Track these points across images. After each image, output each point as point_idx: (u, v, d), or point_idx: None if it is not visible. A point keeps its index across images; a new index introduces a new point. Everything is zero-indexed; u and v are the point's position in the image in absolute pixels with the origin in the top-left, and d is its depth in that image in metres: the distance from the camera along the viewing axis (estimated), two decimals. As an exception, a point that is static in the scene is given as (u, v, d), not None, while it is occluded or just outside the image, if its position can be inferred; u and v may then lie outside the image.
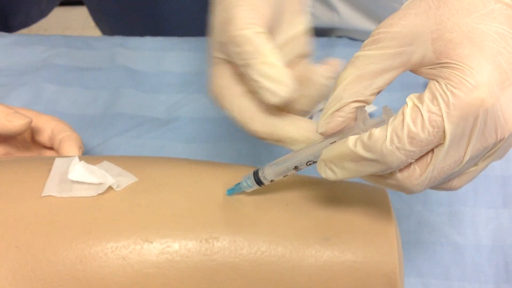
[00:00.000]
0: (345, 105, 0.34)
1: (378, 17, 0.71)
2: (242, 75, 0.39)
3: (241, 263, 0.38)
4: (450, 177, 0.34)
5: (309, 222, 0.39)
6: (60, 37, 0.78)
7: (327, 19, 0.75)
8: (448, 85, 0.31)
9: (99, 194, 0.39)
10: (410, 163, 0.33)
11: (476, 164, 0.34)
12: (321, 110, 0.62)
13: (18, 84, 0.71)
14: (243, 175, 0.40)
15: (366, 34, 0.72)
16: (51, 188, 0.40)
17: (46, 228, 0.38)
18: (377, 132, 0.32)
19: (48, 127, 0.56)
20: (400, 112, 0.32)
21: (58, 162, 0.41)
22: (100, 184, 0.40)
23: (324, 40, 0.76)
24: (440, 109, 0.31)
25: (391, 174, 0.33)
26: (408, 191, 0.34)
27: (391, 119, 0.32)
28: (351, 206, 0.40)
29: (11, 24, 1.58)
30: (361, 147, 0.32)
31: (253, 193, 0.41)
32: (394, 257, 0.38)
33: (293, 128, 0.39)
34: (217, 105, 0.41)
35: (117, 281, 0.37)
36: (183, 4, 0.90)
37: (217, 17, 0.39)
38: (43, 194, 0.39)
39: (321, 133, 0.36)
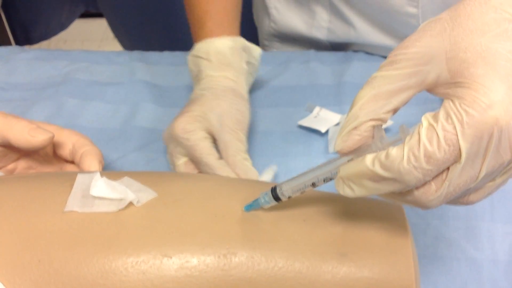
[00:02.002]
0: (362, 124, 0.35)
1: (394, 32, 0.71)
2: None
3: (258, 279, 0.38)
4: (467, 193, 0.35)
5: (326, 238, 0.40)
6: (80, 52, 0.80)
7: (343, 34, 0.76)
8: (462, 104, 0.31)
9: (120, 209, 0.40)
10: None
11: (493, 180, 0.35)
12: (336, 124, 0.63)
13: (40, 98, 0.73)
14: (261, 192, 0.41)
15: (382, 48, 0.73)
16: (74, 203, 0.41)
17: (68, 243, 0.39)
18: (394, 151, 0.33)
19: (70, 142, 0.57)
20: (416, 131, 0.33)
21: (80, 178, 0.42)
22: (121, 199, 0.40)
23: (340, 54, 0.77)
24: (455, 127, 0.31)
25: (408, 191, 0.34)
26: (424, 206, 0.34)
27: (407, 138, 0.33)
28: (368, 222, 0.41)
29: (31, 36, 1.61)
30: (379, 166, 0.33)
31: (271, 209, 0.41)
32: (411, 274, 0.39)
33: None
34: None
35: (136, 296, 0.38)
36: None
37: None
38: (65, 210, 0.40)
39: (338, 151, 0.37)
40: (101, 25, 2.17)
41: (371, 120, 0.35)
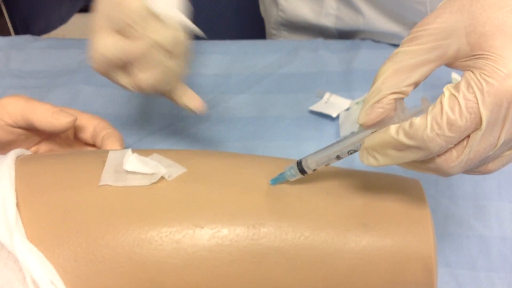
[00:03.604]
0: (384, 97, 0.37)
1: (402, 19, 0.73)
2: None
3: (286, 248, 0.41)
4: (485, 161, 0.37)
5: (349, 209, 0.42)
6: (93, 41, 0.81)
7: (352, 21, 0.78)
8: (482, 74, 0.33)
9: (152, 183, 0.42)
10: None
11: (510, 148, 0.37)
12: (347, 109, 0.65)
13: (55, 85, 0.74)
14: (286, 166, 0.43)
15: (390, 36, 0.75)
16: (108, 178, 0.42)
17: (105, 215, 0.41)
18: (417, 120, 0.35)
19: (90, 125, 0.59)
20: (438, 101, 0.35)
21: (112, 154, 0.44)
22: (153, 174, 0.42)
23: (348, 42, 0.79)
24: (475, 96, 0.33)
25: (430, 159, 0.36)
26: (445, 173, 0.36)
27: (430, 108, 0.35)
28: (387, 194, 0.43)
29: (32, 31, 1.61)
30: (403, 135, 0.35)
31: (295, 182, 0.43)
32: (430, 243, 0.41)
33: None
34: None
35: (171, 263, 0.40)
36: (212, 8, 0.93)
37: None
38: (100, 183, 0.42)
39: (361, 124, 0.38)
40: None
41: (393, 93, 0.37)
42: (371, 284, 0.41)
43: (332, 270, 0.41)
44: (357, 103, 0.68)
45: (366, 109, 0.38)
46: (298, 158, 0.44)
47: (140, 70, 0.50)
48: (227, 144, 0.66)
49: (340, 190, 0.43)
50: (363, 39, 0.79)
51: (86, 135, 0.59)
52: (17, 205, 0.41)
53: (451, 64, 0.37)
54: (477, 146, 0.35)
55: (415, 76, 0.37)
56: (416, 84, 0.37)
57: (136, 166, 0.42)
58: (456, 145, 0.35)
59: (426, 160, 0.36)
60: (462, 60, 0.36)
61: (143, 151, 0.45)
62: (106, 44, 0.49)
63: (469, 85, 0.34)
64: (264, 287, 0.40)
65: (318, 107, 0.68)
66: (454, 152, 0.35)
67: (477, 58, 0.35)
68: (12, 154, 0.46)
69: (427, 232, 0.41)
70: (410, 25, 0.74)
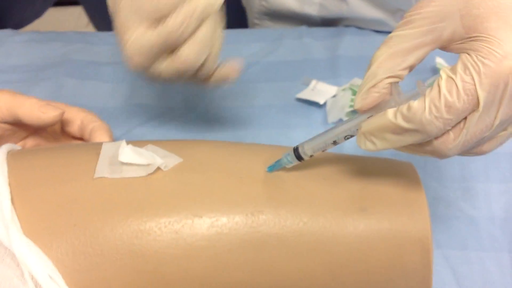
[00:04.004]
0: (380, 81, 0.37)
1: (385, 5, 0.74)
2: None
3: (285, 234, 0.41)
4: (481, 142, 0.37)
5: (346, 194, 0.42)
6: (75, 34, 0.81)
7: (335, 9, 0.78)
8: (478, 56, 0.34)
9: (149, 174, 0.42)
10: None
11: (505, 129, 0.37)
12: (333, 96, 0.65)
13: (38, 79, 0.73)
14: (282, 153, 0.43)
15: (373, 22, 0.75)
16: (103, 170, 0.42)
17: (102, 207, 0.40)
18: (415, 104, 0.35)
19: (78, 118, 0.58)
20: (435, 84, 0.35)
21: (105, 146, 0.44)
22: (148, 165, 0.42)
23: (332, 29, 0.79)
24: (472, 78, 0.34)
25: (428, 141, 0.36)
26: (443, 155, 0.37)
27: (428, 90, 0.35)
28: (383, 178, 0.43)
29: (5, 26, 1.59)
30: (401, 119, 0.35)
31: (292, 169, 0.44)
32: (427, 224, 0.41)
33: None
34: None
35: (170, 254, 0.40)
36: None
37: None
38: (96, 176, 0.42)
39: (357, 109, 0.39)
40: (73, 13, 2.16)
41: (389, 77, 0.37)
42: (370, 267, 0.41)
43: (331, 255, 0.41)
44: (343, 89, 0.68)
45: (362, 94, 0.38)
46: (288, 146, 0.44)
47: (182, 46, 0.48)
48: (215, 133, 0.66)
49: (337, 176, 0.43)
50: (347, 26, 0.80)
51: (73, 128, 0.59)
52: (12, 200, 0.40)
53: (446, 47, 0.37)
54: (474, 127, 0.35)
55: (411, 59, 0.37)
56: (411, 68, 0.38)
57: (132, 157, 0.42)
58: (453, 127, 0.36)
59: (424, 143, 0.37)
60: (457, 42, 0.36)
61: (137, 142, 0.45)
62: (145, 35, 0.47)
63: (466, 67, 0.34)
64: (264, 275, 0.41)
65: (305, 94, 0.69)
66: (451, 134, 0.36)
67: (472, 40, 0.35)
68: (3, 149, 0.45)
69: (423, 214, 0.41)
70: (394, 11, 0.74)
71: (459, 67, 0.34)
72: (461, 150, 0.37)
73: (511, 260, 0.55)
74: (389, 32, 0.75)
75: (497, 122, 0.35)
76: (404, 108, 0.36)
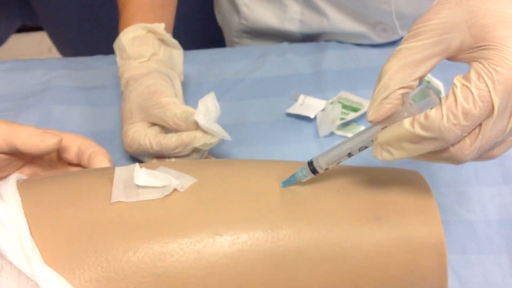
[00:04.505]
0: (392, 93, 0.39)
1: (365, 19, 0.76)
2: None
3: (305, 247, 0.41)
4: (492, 147, 0.39)
5: (360, 205, 0.43)
6: (57, 60, 0.80)
7: (316, 24, 0.79)
8: (491, 64, 0.35)
9: (165, 196, 0.42)
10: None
11: None
12: (323, 110, 0.66)
13: (23, 107, 0.72)
14: (297, 167, 0.44)
15: (354, 36, 0.77)
16: (119, 194, 0.42)
17: (122, 231, 0.40)
18: (432, 112, 0.36)
19: (74, 145, 0.58)
20: (450, 92, 0.36)
21: (118, 170, 0.44)
22: (164, 186, 0.42)
23: (313, 45, 0.81)
24: (487, 85, 0.35)
25: (444, 149, 0.38)
26: (459, 161, 0.38)
27: (443, 99, 0.36)
28: (393, 187, 0.45)
29: (-30, 53, 1.56)
30: (419, 128, 0.37)
31: (305, 183, 0.44)
32: (440, 229, 0.42)
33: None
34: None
35: (194, 274, 0.40)
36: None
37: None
38: (112, 201, 0.42)
39: (371, 121, 0.40)
40: (34, 39, 2.14)
41: (400, 88, 0.38)
42: (388, 275, 0.42)
43: (350, 265, 0.42)
44: (331, 103, 0.70)
45: (375, 106, 0.39)
46: (288, 161, 0.45)
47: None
48: (210, 152, 0.67)
49: (349, 187, 0.44)
50: (327, 40, 0.81)
51: (71, 155, 0.58)
52: (29, 229, 0.40)
53: (454, 57, 0.39)
54: (489, 132, 0.37)
55: (421, 70, 0.38)
56: (421, 78, 0.39)
57: (147, 180, 0.42)
58: (469, 133, 0.37)
59: (440, 150, 0.38)
60: (466, 52, 0.38)
61: (147, 165, 0.45)
62: (144, 135, 0.60)
63: (479, 75, 0.35)
64: (286, 288, 0.41)
65: (295, 109, 0.70)
66: (467, 141, 0.37)
67: (482, 49, 0.36)
68: (12, 179, 0.45)
69: (436, 219, 0.43)
70: (374, 24, 0.76)
71: (473, 75, 0.36)
72: (476, 155, 0.38)
73: (510, 260, 0.56)
74: (370, 45, 0.78)
75: (510, 126, 0.37)
76: (421, 117, 0.37)
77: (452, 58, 0.39)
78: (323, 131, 0.67)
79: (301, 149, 0.67)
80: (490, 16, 0.37)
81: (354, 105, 0.69)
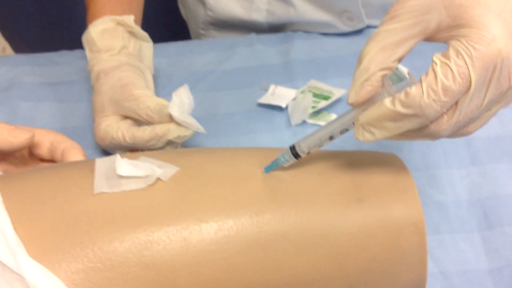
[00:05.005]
0: (373, 75, 0.39)
1: (332, 7, 0.76)
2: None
3: (290, 231, 0.42)
4: (468, 122, 0.40)
5: (342, 187, 0.44)
6: (21, 56, 0.79)
7: (283, 14, 0.80)
8: (469, 41, 0.37)
9: (148, 185, 0.42)
10: None
11: (489, 109, 0.40)
12: (294, 99, 0.67)
13: (-11, 105, 0.71)
14: (274, 153, 0.44)
15: (321, 25, 0.78)
16: (101, 185, 0.42)
17: (107, 221, 0.40)
18: (413, 90, 0.37)
19: (46, 140, 0.57)
20: (430, 70, 0.37)
21: (99, 161, 0.43)
22: (147, 176, 0.42)
23: (281, 35, 0.81)
24: (465, 62, 0.36)
25: (425, 126, 0.39)
26: (437, 137, 0.40)
27: (423, 76, 0.37)
28: (373, 169, 0.45)
29: None
30: (400, 105, 0.38)
31: (287, 168, 0.45)
32: (419, 208, 0.43)
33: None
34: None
35: (181, 261, 0.40)
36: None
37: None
38: (95, 192, 0.42)
39: (351, 103, 0.40)
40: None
41: (381, 69, 0.39)
42: (371, 255, 0.43)
43: (334, 246, 0.42)
44: (302, 92, 0.70)
45: (356, 88, 0.40)
46: (266, 148, 0.45)
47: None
48: (184, 144, 0.67)
49: (330, 170, 0.45)
50: (294, 31, 0.82)
51: (43, 151, 0.58)
52: (12, 223, 0.39)
53: (432, 37, 0.40)
54: (466, 108, 0.38)
55: (400, 51, 0.39)
56: (400, 59, 0.40)
57: (130, 170, 0.42)
58: (447, 110, 0.38)
59: (420, 128, 0.39)
60: (444, 31, 0.39)
61: (128, 155, 0.45)
62: (117, 128, 0.59)
63: (458, 52, 0.37)
64: (273, 272, 0.42)
65: (266, 99, 0.70)
66: (445, 116, 0.38)
67: (460, 28, 0.38)
68: (-11, 174, 0.44)
69: (415, 199, 0.44)
70: (340, 13, 0.77)
71: (452, 53, 0.37)
72: (453, 130, 0.39)
73: (482, 239, 0.58)
74: (337, 35, 0.79)
75: (485, 102, 0.38)
76: (401, 95, 0.38)
77: (430, 38, 0.40)
78: (295, 119, 0.68)
79: (274, 138, 0.68)
80: None
81: (325, 94, 0.69)
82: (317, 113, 0.68)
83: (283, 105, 0.69)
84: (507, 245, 0.57)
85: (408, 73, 0.40)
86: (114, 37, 0.65)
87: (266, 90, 0.72)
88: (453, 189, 0.62)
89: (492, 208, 0.60)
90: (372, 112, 0.39)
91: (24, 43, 1.35)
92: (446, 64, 0.37)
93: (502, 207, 0.60)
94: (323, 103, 0.68)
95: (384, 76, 0.40)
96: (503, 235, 0.58)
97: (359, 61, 0.40)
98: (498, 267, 0.56)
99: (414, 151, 0.65)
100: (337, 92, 0.70)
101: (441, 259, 0.57)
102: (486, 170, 0.63)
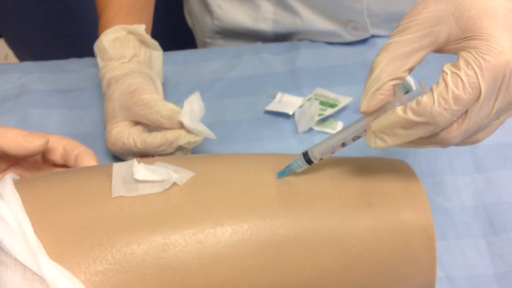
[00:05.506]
0: (384, 84, 0.40)
1: (338, 18, 0.78)
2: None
3: (302, 234, 0.43)
4: (477, 131, 0.41)
5: (353, 192, 0.45)
6: (30, 64, 0.80)
7: (289, 24, 0.81)
8: (478, 52, 0.38)
9: (165, 189, 0.43)
10: None
11: (498, 118, 0.41)
12: (300, 106, 0.68)
13: (0, 112, 0.72)
14: (291, 158, 0.46)
15: (326, 34, 0.80)
16: (119, 189, 0.43)
17: (125, 224, 0.41)
18: (424, 98, 0.38)
19: (60, 146, 0.58)
20: (441, 79, 0.39)
21: (116, 166, 0.44)
22: (163, 180, 0.43)
23: (287, 44, 0.83)
24: (475, 72, 0.38)
25: (435, 133, 0.40)
26: (446, 144, 0.41)
27: (434, 86, 0.39)
28: (382, 175, 0.47)
29: None
30: (411, 113, 0.39)
31: (299, 174, 0.46)
32: (428, 213, 0.45)
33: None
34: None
35: (197, 263, 0.41)
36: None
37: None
38: (113, 196, 0.43)
39: (363, 112, 0.42)
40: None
41: (392, 79, 0.41)
42: (381, 259, 0.44)
43: (345, 250, 0.43)
44: (308, 99, 0.72)
45: (367, 98, 0.41)
46: (283, 154, 0.46)
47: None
48: (192, 151, 0.68)
49: (342, 176, 0.46)
50: (300, 40, 0.83)
51: (56, 156, 0.58)
52: (32, 226, 0.40)
53: (441, 49, 0.41)
54: (475, 116, 0.39)
55: (411, 62, 0.40)
56: (411, 70, 0.41)
57: (147, 174, 0.43)
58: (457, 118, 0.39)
59: (431, 135, 0.40)
60: (453, 43, 0.40)
61: (144, 160, 0.46)
62: (128, 134, 0.61)
63: (468, 63, 0.38)
64: (285, 274, 0.43)
65: (273, 106, 0.71)
66: (454, 124, 0.40)
67: (469, 40, 0.39)
68: (9, 178, 0.45)
69: (424, 204, 0.45)
70: (345, 23, 0.78)
71: (462, 63, 0.38)
72: (462, 138, 0.40)
73: (487, 244, 0.59)
74: (342, 44, 0.80)
75: (494, 110, 0.39)
76: (413, 103, 0.39)
77: (440, 50, 0.41)
78: (302, 127, 0.69)
79: (281, 145, 0.69)
80: (475, 9, 0.39)
81: (331, 101, 0.71)
82: (323, 120, 0.70)
83: (290, 113, 0.70)
84: (512, 250, 0.58)
85: (419, 83, 0.41)
86: (125, 46, 0.66)
87: (273, 97, 0.73)
88: (458, 196, 0.63)
89: (497, 214, 0.61)
90: (384, 120, 0.40)
91: (26, 49, 1.36)
92: (457, 74, 0.38)
93: (506, 213, 0.61)
94: (329, 111, 0.69)
95: (395, 86, 0.41)
96: (508, 240, 0.59)
97: (371, 70, 0.41)
98: (503, 272, 0.57)
99: (420, 158, 0.67)
100: (344, 100, 0.71)
101: (447, 264, 0.58)
102: (491, 177, 0.64)
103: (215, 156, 0.49)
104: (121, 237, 0.41)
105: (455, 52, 0.40)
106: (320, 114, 0.69)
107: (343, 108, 0.71)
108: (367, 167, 0.47)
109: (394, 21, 0.79)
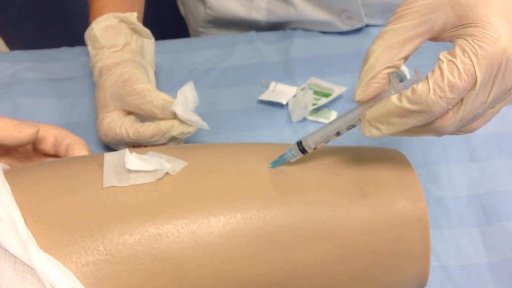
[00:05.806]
0: (379, 72, 0.40)
1: (331, 7, 0.77)
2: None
3: (297, 224, 0.43)
4: (473, 119, 0.41)
5: (347, 182, 0.45)
6: (21, 53, 0.79)
7: (283, 13, 0.81)
8: (475, 40, 0.37)
9: (158, 179, 0.43)
10: None
11: (493, 107, 0.41)
12: (294, 96, 0.68)
13: (-10, 101, 0.71)
14: (280, 149, 0.45)
15: (320, 24, 0.79)
16: (111, 179, 0.42)
17: (117, 215, 0.41)
18: (419, 86, 0.38)
19: (50, 135, 0.58)
20: (436, 67, 0.38)
21: (108, 156, 0.44)
22: (156, 170, 0.43)
23: (280, 33, 0.82)
24: (471, 60, 0.37)
25: (430, 122, 0.39)
26: (442, 133, 0.40)
27: (429, 74, 0.38)
28: (377, 164, 0.46)
29: None
30: (407, 101, 0.38)
31: (293, 163, 0.46)
32: (423, 202, 0.44)
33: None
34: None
35: (189, 254, 0.41)
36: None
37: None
38: (105, 186, 0.42)
39: (358, 100, 0.41)
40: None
41: (387, 68, 0.40)
42: (376, 248, 0.44)
43: (340, 240, 0.43)
44: (302, 89, 0.71)
45: (362, 86, 0.41)
46: (273, 143, 0.46)
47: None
48: (185, 141, 0.67)
49: (336, 165, 0.46)
50: (294, 29, 0.82)
51: (47, 146, 0.58)
52: (22, 216, 0.40)
53: (438, 37, 0.40)
54: (471, 104, 0.39)
55: (406, 50, 0.40)
56: (406, 58, 0.40)
57: (139, 164, 0.42)
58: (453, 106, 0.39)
59: (426, 124, 0.40)
60: (450, 31, 0.39)
61: (136, 150, 0.46)
62: (120, 123, 0.60)
63: (464, 51, 0.37)
64: (279, 265, 0.42)
65: (267, 96, 0.71)
66: (450, 112, 0.39)
67: (466, 27, 0.38)
68: (-1, 169, 0.44)
69: (419, 193, 0.44)
70: (339, 12, 0.78)
71: (458, 51, 0.38)
72: (457, 126, 0.40)
73: (481, 234, 0.59)
74: (336, 33, 0.80)
75: (490, 99, 0.39)
76: (408, 91, 0.38)
77: (436, 38, 0.41)
78: (296, 116, 0.68)
79: (275, 134, 0.68)
80: None
81: (325, 91, 0.70)
82: (317, 110, 0.69)
83: (284, 102, 0.70)
84: (506, 240, 0.58)
85: (415, 70, 0.40)
86: (117, 34, 0.65)
87: (266, 87, 0.72)
88: (452, 185, 0.63)
89: (491, 204, 0.61)
90: (379, 108, 0.40)
91: (17, 38, 1.35)
92: (452, 61, 0.37)
93: (500, 203, 0.61)
94: (323, 100, 0.69)
95: (390, 74, 0.40)
96: (502, 230, 0.59)
97: (366, 59, 0.41)
98: (497, 261, 0.57)
99: (414, 148, 0.66)
100: (337, 90, 0.71)
101: (441, 254, 0.58)
102: (485, 166, 0.64)
103: (208, 146, 0.49)
104: (113, 227, 0.40)
105: (451, 40, 0.40)
106: (314, 104, 0.69)
107: (337, 98, 0.71)
108: (362, 156, 0.47)
109: (388, 11, 0.78)
